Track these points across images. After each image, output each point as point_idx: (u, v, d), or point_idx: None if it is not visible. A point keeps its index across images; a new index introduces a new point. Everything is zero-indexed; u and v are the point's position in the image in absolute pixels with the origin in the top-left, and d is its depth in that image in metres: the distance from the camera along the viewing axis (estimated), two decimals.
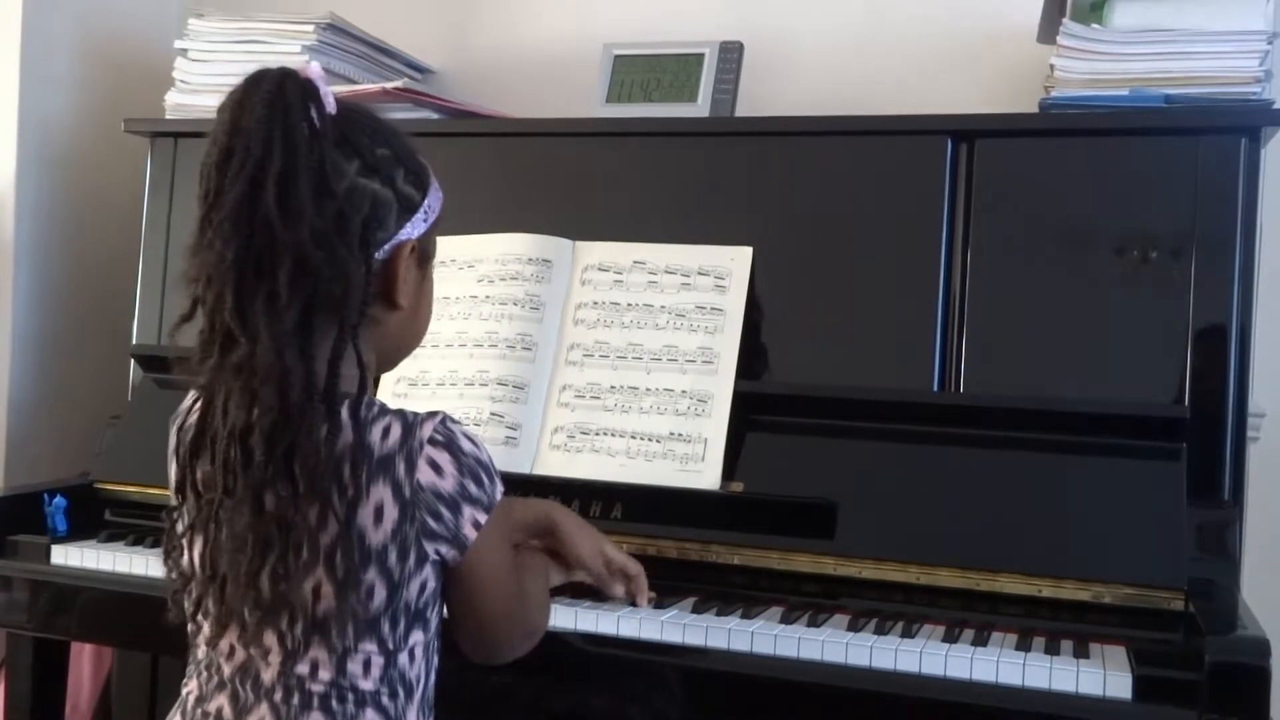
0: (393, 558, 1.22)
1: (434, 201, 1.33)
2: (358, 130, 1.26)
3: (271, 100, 1.20)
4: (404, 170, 1.29)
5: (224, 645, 1.26)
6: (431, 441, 1.24)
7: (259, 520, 1.18)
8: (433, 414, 1.26)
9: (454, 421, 1.27)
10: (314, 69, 1.24)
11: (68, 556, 1.97)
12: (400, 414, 1.25)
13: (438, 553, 1.25)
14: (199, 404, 1.24)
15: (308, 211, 1.18)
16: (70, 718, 2.34)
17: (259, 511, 1.18)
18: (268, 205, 1.17)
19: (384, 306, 1.30)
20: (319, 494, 1.19)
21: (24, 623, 1.99)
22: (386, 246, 1.27)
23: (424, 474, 1.23)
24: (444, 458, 1.24)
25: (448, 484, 1.24)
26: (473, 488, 1.25)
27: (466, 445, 1.26)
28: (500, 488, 1.29)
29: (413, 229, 1.30)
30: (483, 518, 1.26)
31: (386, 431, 1.23)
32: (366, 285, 1.24)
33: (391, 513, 1.22)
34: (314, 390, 1.20)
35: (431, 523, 1.23)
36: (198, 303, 1.22)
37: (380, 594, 1.23)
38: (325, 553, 1.20)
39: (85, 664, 2.48)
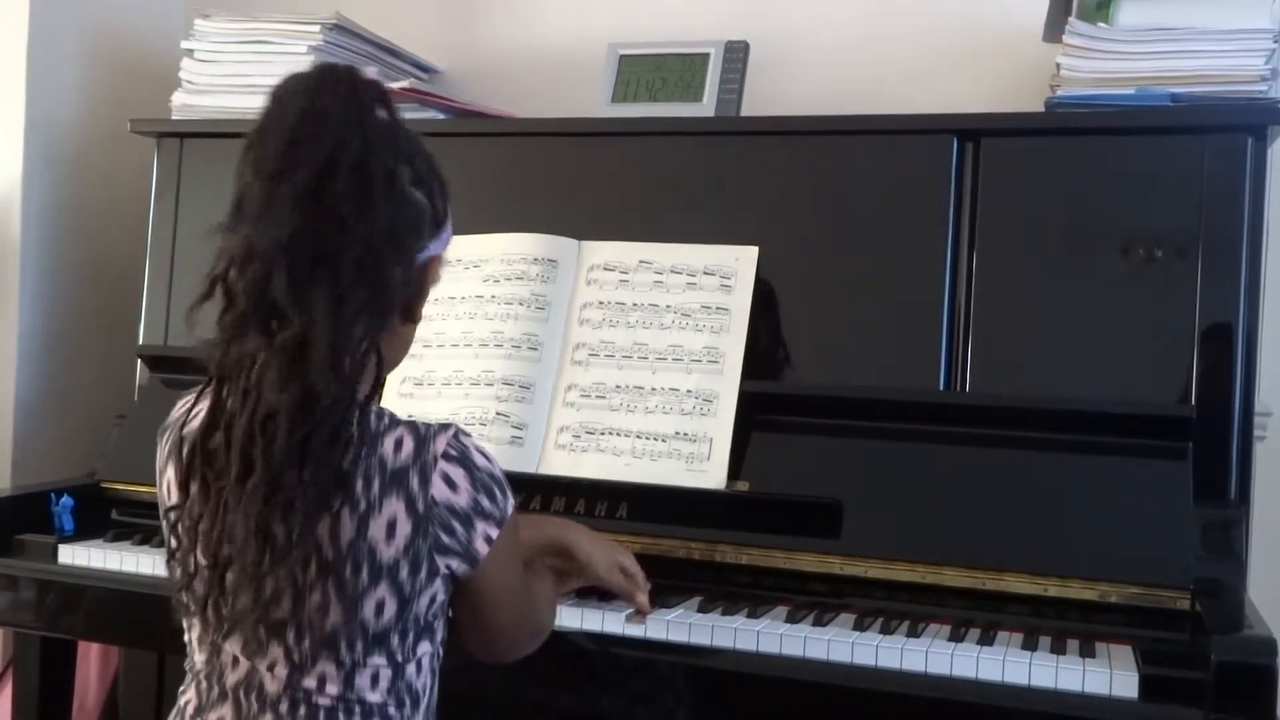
0: (404, 572, 1.21)
1: (450, 221, 1.33)
2: (407, 138, 1.27)
3: (348, 94, 1.21)
4: (438, 184, 1.30)
5: (226, 656, 1.25)
6: (446, 456, 1.23)
7: (269, 508, 1.16)
8: (445, 426, 1.25)
9: (465, 434, 1.26)
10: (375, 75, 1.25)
11: (74, 556, 1.97)
12: (412, 425, 1.24)
13: (448, 567, 1.25)
14: (210, 390, 1.22)
15: (380, 206, 1.19)
16: (77, 717, 2.34)
17: (271, 498, 1.16)
18: (339, 193, 1.17)
19: (403, 318, 1.30)
20: (326, 495, 1.17)
21: (31, 622, 1.99)
22: (420, 257, 1.27)
23: (438, 489, 1.22)
24: (458, 473, 1.23)
25: (462, 499, 1.23)
26: (486, 503, 1.25)
27: (480, 460, 1.26)
28: (512, 502, 1.29)
29: (439, 244, 1.31)
30: (495, 532, 1.26)
31: (399, 444, 1.22)
32: (404, 292, 1.26)
33: (404, 527, 1.21)
34: (345, 387, 1.19)
35: (444, 538, 1.23)
36: (217, 281, 1.20)
37: (390, 608, 1.22)
38: (334, 567, 1.19)
39: (92, 663, 2.49)
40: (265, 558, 1.16)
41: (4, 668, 2.34)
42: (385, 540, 1.20)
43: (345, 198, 1.18)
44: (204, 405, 1.24)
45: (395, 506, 1.21)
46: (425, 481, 1.22)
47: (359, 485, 1.20)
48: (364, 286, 1.19)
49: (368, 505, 1.20)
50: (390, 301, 1.23)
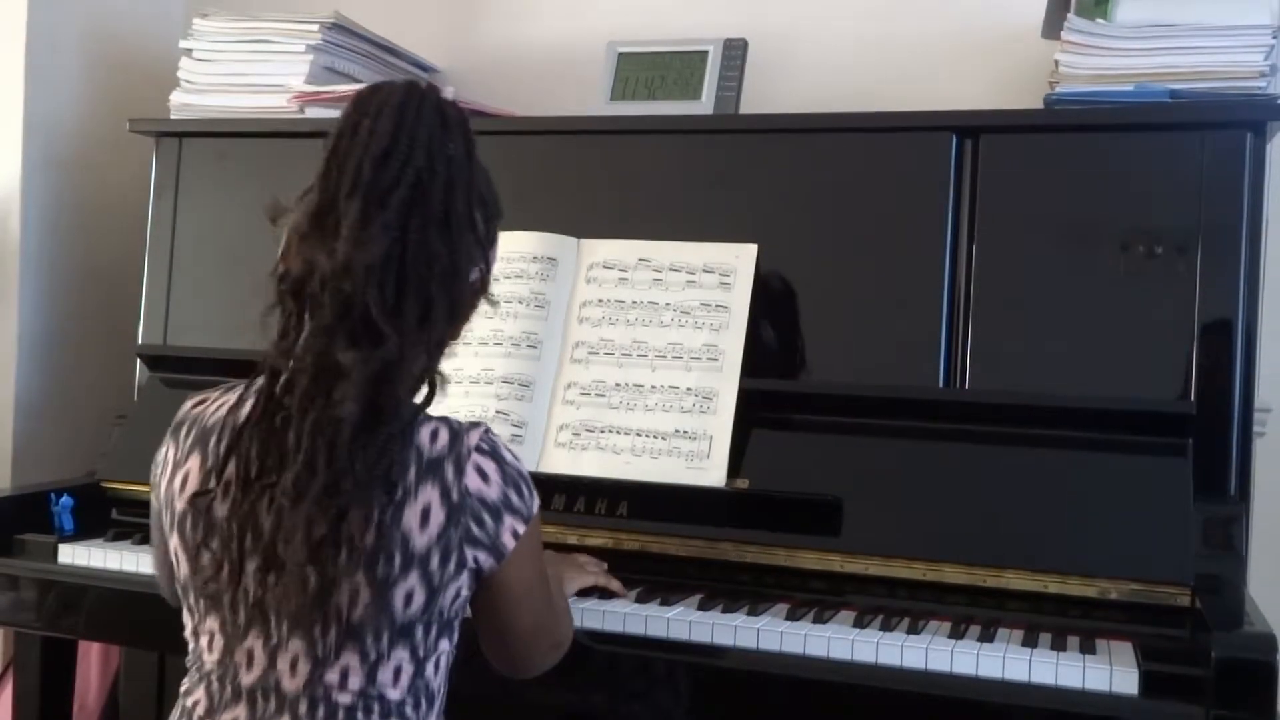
0: (434, 562, 1.23)
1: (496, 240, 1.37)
2: (478, 160, 1.32)
3: (434, 114, 1.26)
4: (495, 205, 1.35)
5: (241, 655, 1.25)
6: (479, 449, 1.26)
7: (321, 508, 1.17)
8: (476, 423, 1.28)
9: (494, 432, 1.29)
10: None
11: (75, 556, 1.97)
12: (445, 419, 1.27)
13: (475, 560, 1.26)
14: (253, 389, 1.25)
15: (458, 230, 1.25)
16: (78, 716, 2.34)
17: (324, 497, 1.17)
18: (429, 215, 1.23)
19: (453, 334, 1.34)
20: (371, 494, 1.19)
21: (32, 622, 1.99)
22: (473, 279, 1.31)
23: (472, 480, 1.25)
24: (490, 466, 1.26)
25: (493, 492, 1.26)
26: (514, 498, 1.28)
27: (509, 456, 1.29)
28: (537, 501, 1.31)
29: (490, 263, 1.35)
30: (521, 528, 1.28)
31: (435, 435, 1.25)
32: (468, 309, 1.32)
33: (438, 516, 1.23)
34: (410, 400, 1.25)
35: (474, 529, 1.25)
36: (295, 285, 1.23)
37: (419, 598, 1.23)
38: (367, 554, 1.20)
39: (93, 663, 2.49)
40: (312, 554, 1.18)
41: (4, 668, 2.34)
42: (419, 528, 1.22)
43: (433, 220, 1.23)
44: (229, 399, 1.28)
45: (430, 494, 1.23)
46: (460, 472, 1.24)
47: (396, 472, 1.22)
48: (445, 308, 1.25)
49: (404, 492, 1.22)
50: (459, 322, 1.30)
